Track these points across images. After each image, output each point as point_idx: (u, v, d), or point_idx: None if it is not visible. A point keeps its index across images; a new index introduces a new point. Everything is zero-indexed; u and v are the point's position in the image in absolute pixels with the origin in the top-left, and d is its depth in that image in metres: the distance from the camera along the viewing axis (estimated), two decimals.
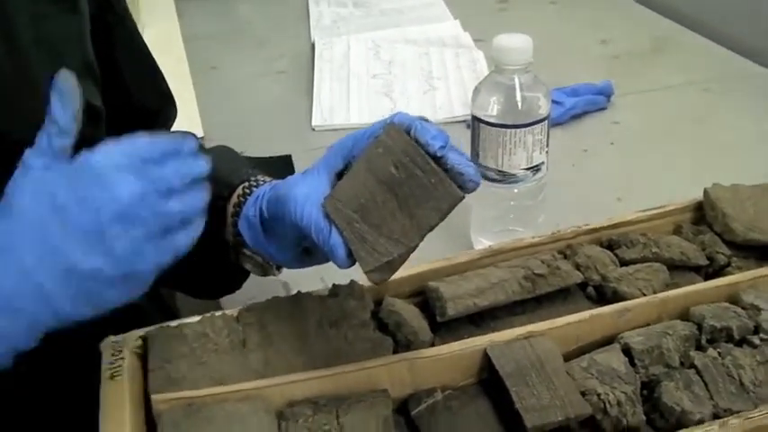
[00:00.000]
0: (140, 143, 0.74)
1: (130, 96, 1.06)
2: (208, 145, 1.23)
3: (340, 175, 0.82)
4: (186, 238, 0.75)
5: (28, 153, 0.73)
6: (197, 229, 0.76)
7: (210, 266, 1.02)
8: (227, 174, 1.00)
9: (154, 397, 0.79)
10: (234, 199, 0.97)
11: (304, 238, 0.83)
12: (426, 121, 0.78)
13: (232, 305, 0.93)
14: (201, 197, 0.76)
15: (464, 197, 0.76)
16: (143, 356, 0.86)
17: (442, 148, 0.75)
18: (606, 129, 1.57)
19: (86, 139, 0.87)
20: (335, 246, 0.78)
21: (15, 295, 0.71)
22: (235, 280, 1.06)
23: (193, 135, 0.78)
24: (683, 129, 1.56)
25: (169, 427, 0.77)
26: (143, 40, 1.11)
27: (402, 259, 0.77)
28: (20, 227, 0.71)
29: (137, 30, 1.10)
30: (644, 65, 1.83)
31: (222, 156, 1.09)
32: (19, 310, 0.71)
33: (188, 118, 1.27)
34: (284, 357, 0.84)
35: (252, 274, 1.02)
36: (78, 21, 0.96)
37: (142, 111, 1.09)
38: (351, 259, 0.78)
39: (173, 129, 1.16)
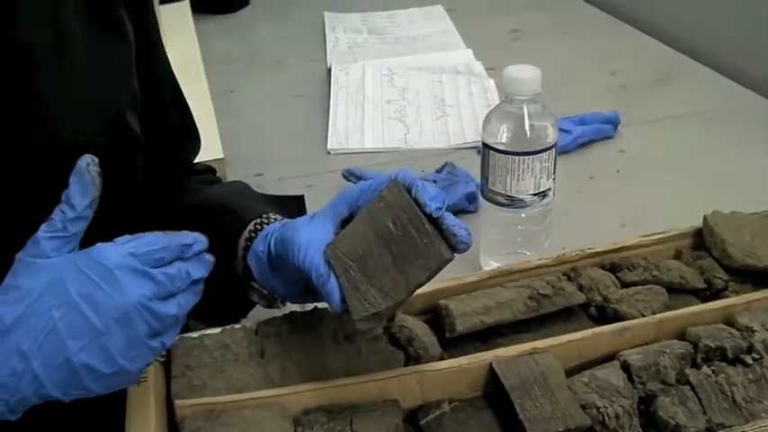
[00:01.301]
0: (153, 244, 0.77)
1: (162, 128, 1.10)
2: (226, 166, 1.28)
3: (344, 223, 0.86)
4: (174, 336, 0.79)
5: (42, 228, 0.76)
6: (182, 325, 0.80)
7: (219, 296, 1.06)
8: (240, 208, 1.04)
9: (177, 402, 0.84)
10: (245, 234, 1.00)
11: (307, 279, 0.87)
12: (428, 181, 0.82)
13: (249, 319, 0.98)
14: (195, 298, 0.80)
15: (452, 258, 0.79)
16: (166, 365, 0.90)
17: (439, 209, 0.79)
18: (612, 157, 1.61)
19: (128, 168, 0.92)
20: (331, 291, 0.82)
21: (8, 376, 0.73)
22: (241, 309, 1.09)
23: (203, 237, 0.81)
24: (687, 158, 1.60)
25: (192, 431, 0.81)
26: (174, 75, 1.15)
27: (390, 312, 0.82)
28: (23, 310, 0.73)
29: (169, 64, 1.14)
30: (651, 95, 1.88)
31: (237, 191, 1.14)
32: (9, 389, 0.73)
33: (209, 141, 1.31)
34: (301, 368, 0.88)
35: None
36: (127, 50, 1.01)
37: (170, 142, 1.13)
38: (344, 305, 0.82)
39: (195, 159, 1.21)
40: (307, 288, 0.92)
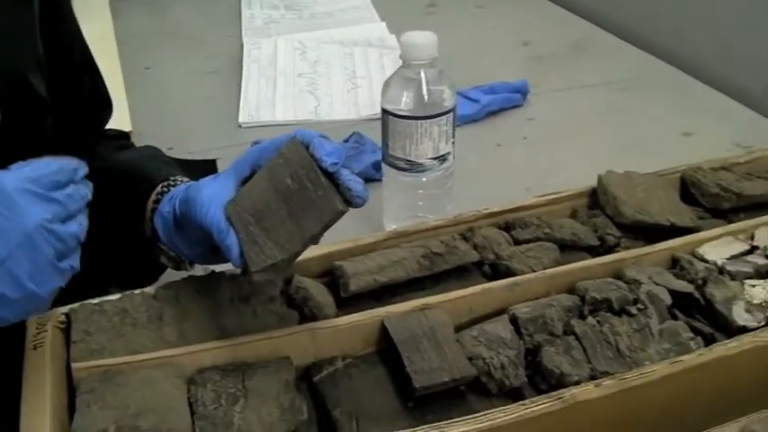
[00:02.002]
0: (48, 167, 0.77)
1: (73, 90, 1.11)
2: (136, 141, 1.28)
3: (246, 182, 0.88)
4: (78, 258, 0.79)
5: None
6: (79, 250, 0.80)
7: (130, 259, 1.07)
8: (149, 172, 1.05)
9: (74, 365, 0.85)
10: (153, 196, 1.01)
11: (209, 237, 0.88)
12: (325, 138, 0.84)
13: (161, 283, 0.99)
14: (86, 221, 0.80)
15: (345, 211, 0.81)
16: (66, 330, 0.91)
17: (334, 164, 0.81)
18: (520, 124, 1.64)
19: (32, 128, 0.93)
20: (231, 246, 0.84)
21: None
22: (152, 272, 1.10)
23: (83, 162, 0.82)
24: (594, 125, 1.64)
25: (86, 391, 0.82)
26: (85, 41, 1.16)
27: (287, 263, 0.83)
28: None
29: (80, 29, 1.15)
30: (562, 65, 1.91)
31: (147, 155, 1.15)
32: None
33: (118, 114, 1.31)
34: (197, 330, 0.89)
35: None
36: (30, 14, 1.01)
37: (81, 105, 1.13)
38: (243, 259, 0.84)
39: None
40: (212, 248, 0.93)
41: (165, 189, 1.01)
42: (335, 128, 1.60)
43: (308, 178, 0.81)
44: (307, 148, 0.83)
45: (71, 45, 1.12)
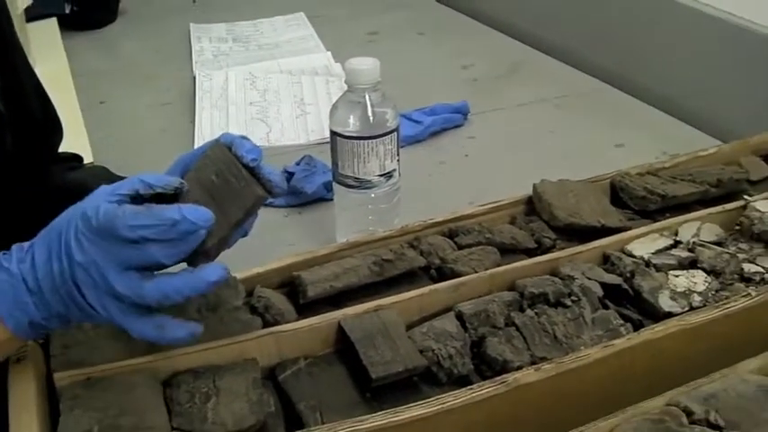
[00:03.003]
0: None
1: (25, 115, 1.17)
2: None
3: None
4: None
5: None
6: None
7: None
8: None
9: (56, 375, 0.90)
10: None
11: None
12: (246, 139, 0.90)
13: None
14: None
15: (265, 197, 0.88)
16: (44, 345, 0.97)
17: (254, 160, 0.88)
18: (462, 143, 1.72)
19: None
20: None
21: None
22: None
23: None
24: (531, 141, 1.72)
25: (69, 398, 0.88)
26: (32, 68, 1.23)
27: (216, 248, 0.89)
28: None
29: (27, 60, 1.22)
30: (500, 85, 2.00)
31: (97, 174, 1.24)
32: None
33: (78, 146, 1.38)
34: None
35: None
36: None
37: (34, 129, 1.20)
38: None
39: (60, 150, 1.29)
40: None
41: None
42: (287, 152, 1.68)
43: (230, 173, 0.88)
44: (230, 149, 0.89)
45: (20, 72, 1.19)
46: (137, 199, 0.84)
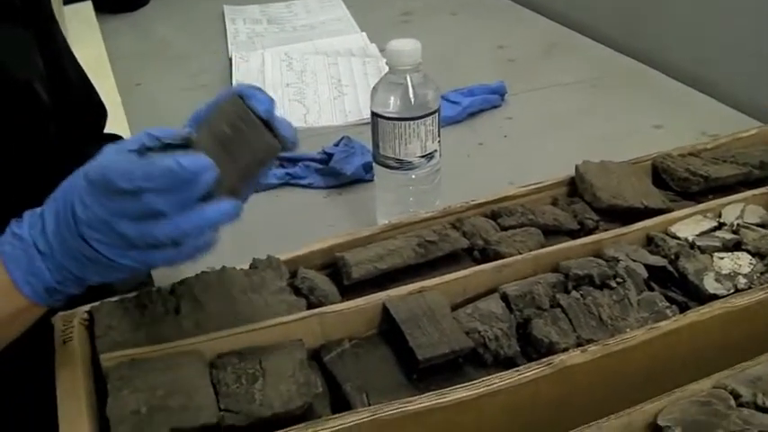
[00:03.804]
0: None
1: (68, 98, 1.18)
2: None
3: None
4: None
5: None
6: None
7: None
8: None
9: (102, 356, 0.91)
10: None
11: None
12: (259, 90, 0.88)
13: (166, 282, 1.06)
14: None
15: (278, 147, 0.87)
16: (89, 327, 0.98)
17: (267, 110, 0.86)
18: (500, 124, 1.71)
19: (38, 134, 1.00)
20: None
21: None
22: None
23: None
24: (569, 121, 1.71)
25: (116, 378, 0.88)
26: (72, 53, 1.24)
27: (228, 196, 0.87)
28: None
29: (69, 47, 1.23)
30: (536, 66, 1.99)
31: None
32: None
33: (118, 129, 1.39)
34: (213, 320, 0.96)
35: None
36: (25, 30, 1.09)
37: (77, 111, 1.21)
38: None
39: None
40: None
41: None
42: (324, 133, 1.68)
43: (243, 122, 0.86)
44: (243, 100, 0.87)
45: (63, 60, 1.20)
46: (143, 153, 0.82)
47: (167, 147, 0.84)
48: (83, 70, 1.25)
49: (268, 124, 0.87)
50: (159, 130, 0.83)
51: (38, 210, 0.85)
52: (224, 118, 0.87)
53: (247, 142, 0.86)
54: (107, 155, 0.81)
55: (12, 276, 0.83)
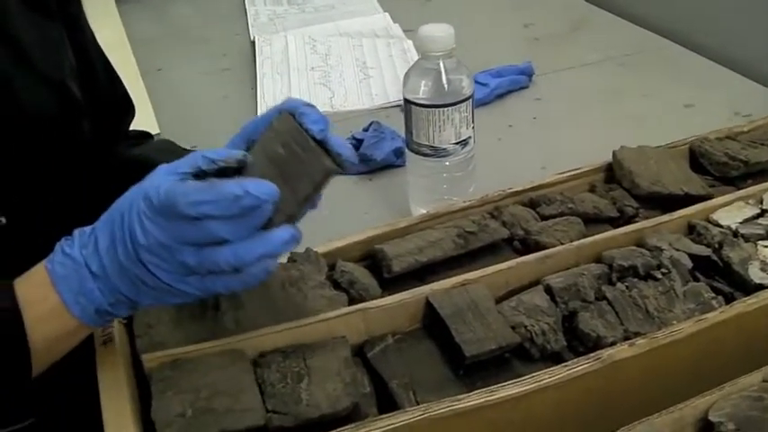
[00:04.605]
0: None
1: (98, 95, 1.17)
2: None
3: None
4: None
5: None
6: None
7: None
8: (161, 162, 1.11)
9: (144, 356, 0.90)
10: None
11: None
12: (311, 107, 0.86)
13: None
14: None
15: (336, 170, 0.85)
16: (128, 326, 0.97)
17: (322, 131, 0.84)
18: (529, 105, 1.70)
19: (73, 131, 0.99)
20: None
21: None
22: None
23: None
24: (599, 102, 1.69)
25: (160, 380, 0.87)
26: (101, 50, 1.23)
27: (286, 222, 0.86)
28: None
29: (96, 40, 1.21)
30: (563, 45, 1.97)
31: (160, 148, 1.23)
32: None
33: (144, 117, 1.38)
34: (253, 317, 0.95)
35: None
36: (57, 27, 1.08)
37: (107, 109, 1.20)
38: None
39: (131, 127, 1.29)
40: None
41: None
42: (351, 117, 1.66)
43: (297, 144, 0.84)
44: (294, 117, 0.86)
45: (91, 54, 1.19)
46: (199, 176, 0.81)
47: (222, 170, 0.82)
48: (109, 63, 1.23)
49: (322, 144, 0.85)
50: (214, 153, 0.82)
51: (88, 229, 0.84)
52: (277, 138, 0.85)
53: (303, 165, 0.84)
54: (163, 177, 0.80)
55: (62, 297, 0.82)
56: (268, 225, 0.81)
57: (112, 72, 1.24)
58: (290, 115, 0.86)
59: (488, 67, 1.76)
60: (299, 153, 0.84)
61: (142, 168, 0.99)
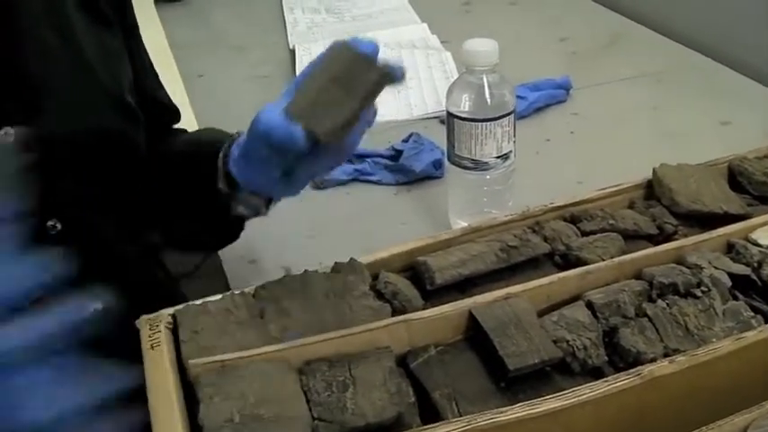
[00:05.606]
0: None
1: (150, 106, 1.19)
2: None
3: None
4: None
5: None
6: None
7: (210, 219, 1.16)
8: (213, 137, 1.14)
9: (190, 362, 0.92)
10: (222, 152, 1.10)
11: (277, 150, 0.96)
12: (361, 39, 0.93)
13: (243, 287, 1.06)
14: None
15: (386, 76, 0.92)
16: (174, 330, 0.99)
17: (375, 51, 0.91)
18: (566, 120, 1.71)
19: (133, 143, 1.01)
20: (294, 132, 0.92)
21: None
22: (232, 230, 1.20)
23: None
24: (636, 117, 1.71)
25: (207, 385, 0.89)
26: (151, 60, 1.25)
27: (349, 124, 0.94)
28: None
29: (146, 50, 1.24)
30: (600, 59, 1.99)
31: (208, 129, 1.26)
32: None
33: (186, 123, 1.40)
34: (298, 325, 0.97)
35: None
36: (116, 39, 1.10)
37: (159, 119, 1.22)
38: (308, 138, 0.92)
39: None
40: (285, 171, 1.02)
41: (233, 142, 1.10)
42: (389, 128, 1.68)
43: (353, 62, 0.92)
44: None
45: (144, 64, 1.21)
46: None
47: None
48: (157, 75, 1.25)
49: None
50: None
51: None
52: (332, 63, 0.93)
53: (361, 76, 0.91)
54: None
55: None
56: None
57: (157, 79, 1.27)
58: (343, 44, 0.93)
59: (524, 79, 1.78)
60: (354, 68, 0.91)
61: (193, 148, 1.02)
